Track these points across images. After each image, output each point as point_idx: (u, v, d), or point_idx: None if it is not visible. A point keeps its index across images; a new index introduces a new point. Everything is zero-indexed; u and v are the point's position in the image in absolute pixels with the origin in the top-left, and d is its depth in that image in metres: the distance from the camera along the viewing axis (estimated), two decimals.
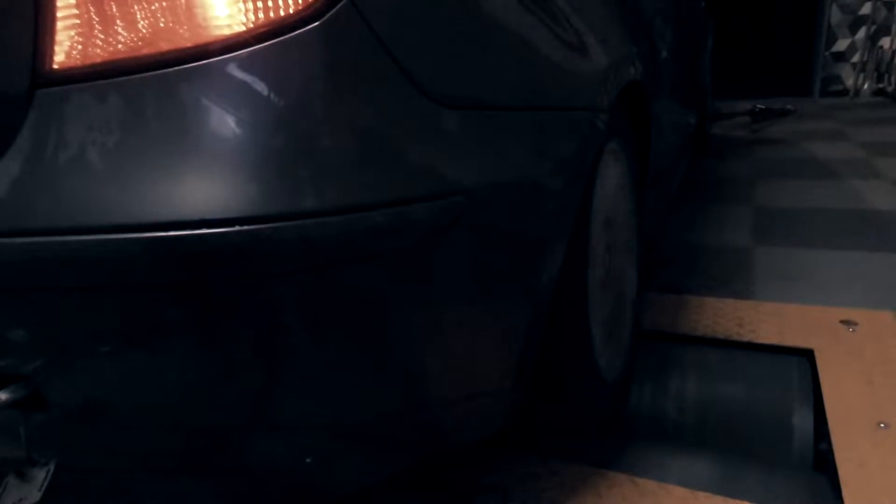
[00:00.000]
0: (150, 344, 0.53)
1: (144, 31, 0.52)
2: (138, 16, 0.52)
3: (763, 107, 4.50)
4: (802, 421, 1.08)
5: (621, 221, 1.11)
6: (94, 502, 0.66)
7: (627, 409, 1.18)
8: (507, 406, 0.79)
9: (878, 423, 0.99)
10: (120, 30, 0.52)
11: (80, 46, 0.52)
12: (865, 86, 5.16)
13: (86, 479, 0.65)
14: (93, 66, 0.52)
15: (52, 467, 0.60)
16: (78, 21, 0.52)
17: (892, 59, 4.90)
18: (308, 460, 0.63)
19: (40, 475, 0.59)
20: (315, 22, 0.51)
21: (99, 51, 0.52)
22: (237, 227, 0.49)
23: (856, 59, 5.20)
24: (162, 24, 0.52)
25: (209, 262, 0.49)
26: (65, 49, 0.52)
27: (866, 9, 5.06)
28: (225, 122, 0.50)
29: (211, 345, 0.54)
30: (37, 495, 0.58)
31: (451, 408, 0.70)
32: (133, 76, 0.51)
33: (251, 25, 0.52)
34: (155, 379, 0.56)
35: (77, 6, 0.52)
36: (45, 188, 0.50)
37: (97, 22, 0.52)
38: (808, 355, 1.23)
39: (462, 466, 1.02)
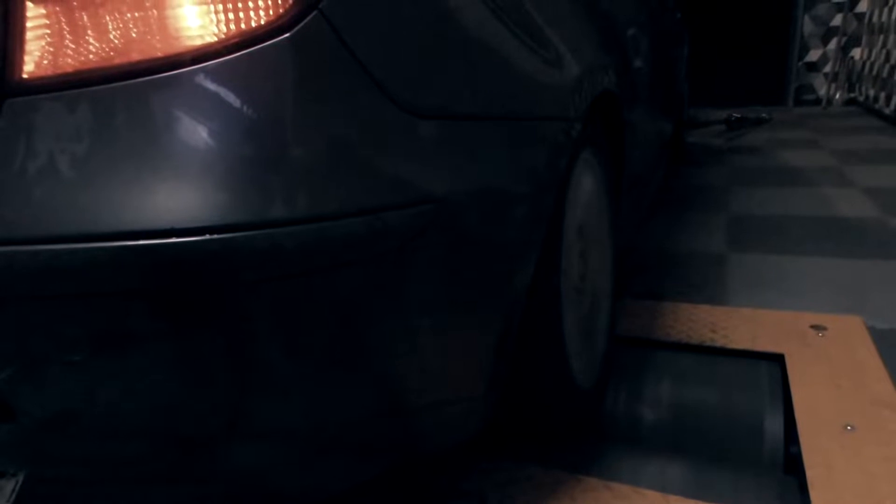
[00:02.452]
0: (121, 353, 0.53)
1: (116, 41, 0.52)
2: (109, 26, 0.53)
3: (738, 115, 4.59)
4: (773, 424, 1.10)
5: (595, 229, 1.13)
6: None
7: (603, 413, 1.19)
8: (482, 411, 0.80)
9: (845, 426, 1.01)
10: (91, 40, 0.53)
11: (50, 56, 0.52)
12: (837, 95, 5.29)
13: (57, 490, 0.64)
14: (63, 75, 0.52)
15: (21, 478, 0.59)
16: (48, 31, 0.52)
17: (862, 69, 5.02)
18: (281, 466, 0.63)
19: (9, 486, 0.58)
20: (285, 33, 0.52)
21: (70, 60, 0.52)
22: (207, 236, 0.49)
23: (828, 69, 5.33)
24: (133, 35, 0.52)
25: (179, 271, 0.50)
26: (34, 59, 0.52)
27: (837, 20, 5.20)
28: (196, 132, 0.51)
29: (183, 353, 0.54)
30: None
31: (424, 413, 0.71)
32: (104, 86, 0.52)
33: (222, 36, 0.52)
34: (126, 388, 0.55)
35: (47, 16, 0.52)
36: (13, 197, 0.50)
37: (68, 32, 0.52)
38: (778, 360, 1.25)
39: (438, 472, 1.02)
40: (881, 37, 4.49)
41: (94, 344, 0.53)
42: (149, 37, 0.52)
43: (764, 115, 4.73)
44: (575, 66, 0.91)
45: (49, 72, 0.52)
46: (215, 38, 0.52)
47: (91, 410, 0.57)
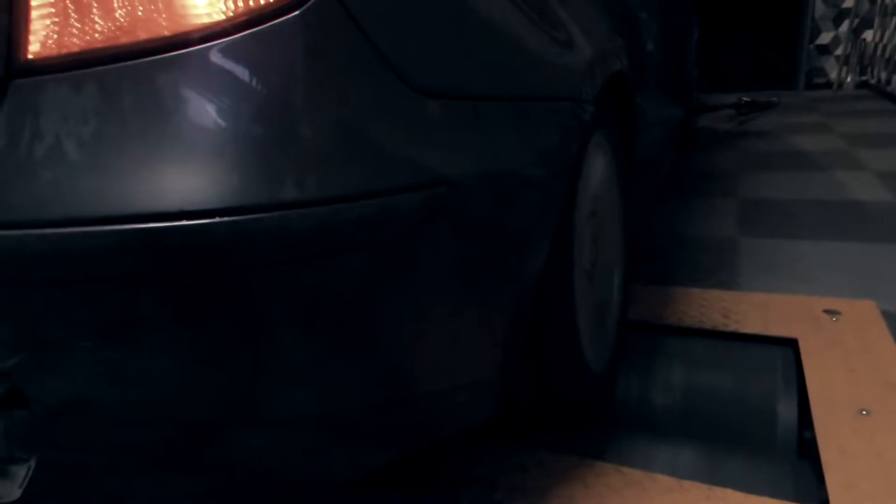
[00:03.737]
0: (131, 338, 0.53)
1: (122, 20, 0.51)
2: (115, 4, 0.51)
3: (748, 99, 4.54)
4: (787, 409, 1.09)
5: (607, 213, 1.11)
6: (77, 499, 0.66)
7: (614, 399, 1.18)
8: (494, 397, 0.79)
9: (860, 410, 1.00)
10: (97, 19, 0.52)
11: (55, 36, 0.51)
12: (849, 78, 5.21)
13: (68, 476, 0.64)
14: (69, 55, 0.51)
15: (32, 464, 0.59)
16: (53, 10, 0.51)
17: (874, 51, 4.95)
18: (292, 454, 0.62)
19: (20, 472, 0.58)
20: (295, 11, 0.51)
21: (75, 40, 0.51)
22: (218, 219, 0.48)
23: (839, 51, 5.25)
24: (140, 13, 0.51)
25: (189, 254, 0.49)
26: (40, 39, 0.51)
27: (849, 2, 5.11)
28: (205, 113, 0.50)
29: (193, 338, 0.53)
30: (17, 492, 0.57)
31: (436, 399, 0.70)
32: (110, 66, 0.51)
33: (230, 14, 0.51)
34: (137, 374, 0.55)
35: None
36: (20, 180, 0.49)
37: (73, 11, 0.51)
38: (792, 344, 1.24)
39: (449, 457, 1.02)
40: (894, 19, 4.42)
41: (105, 329, 0.53)
42: (155, 15, 0.51)
43: (774, 98, 4.68)
44: (588, 47, 0.89)
45: (55, 52, 0.51)
46: (223, 17, 0.51)
47: (102, 396, 0.57)
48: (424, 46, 0.59)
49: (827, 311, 1.34)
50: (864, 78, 5.15)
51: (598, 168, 1.03)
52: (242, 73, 0.50)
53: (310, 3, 0.51)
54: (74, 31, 0.52)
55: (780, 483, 0.93)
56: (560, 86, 0.80)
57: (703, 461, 0.98)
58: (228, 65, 0.50)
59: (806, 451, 1.01)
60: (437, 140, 0.59)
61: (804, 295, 1.45)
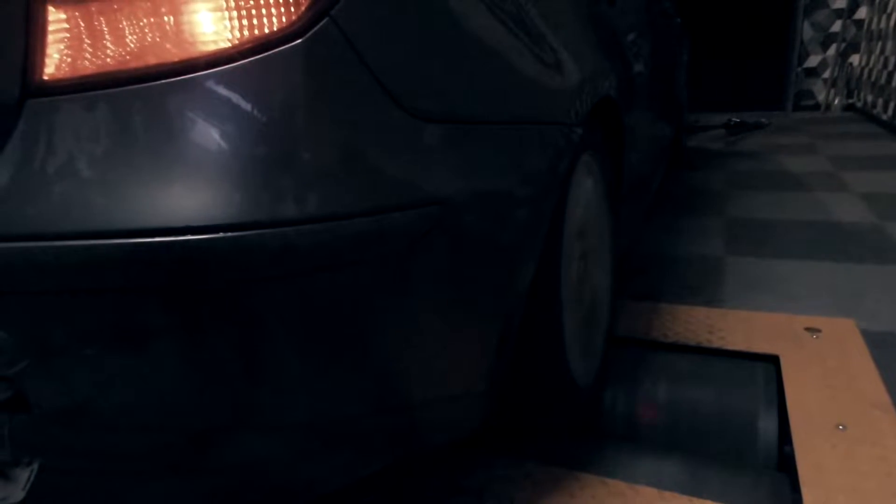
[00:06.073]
0: (134, 347, 0.55)
1: (132, 45, 0.54)
2: (127, 31, 0.54)
3: (737, 120, 4.62)
4: (767, 424, 1.12)
5: (595, 231, 1.14)
6: (78, 502, 0.67)
7: (601, 411, 1.21)
8: (482, 408, 0.82)
9: (837, 426, 1.03)
10: (108, 44, 0.54)
11: (69, 59, 0.54)
12: (836, 101, 5.31)
13: (70, 480, 0.66)
14: (82, 77, 0.54)
15: (35, 467, 0.61)
16: (68, 34, 0.54)
17: (861, 75, 5.05)
18: (287, 460, 0.65)
19: (24, 475, 0.60)
20: (298, 39, 0.54)
21: (88, 63, 0.54)
22: (221, 234, 0.51)
23: (827, 75, 5.36)
24: (150, 39, 0.54)
25: (193, 268, 0.51)
26: (55, 61, 0.54)
27: (837, 26, 5.23)
28: (210, 134, 0.52)
29: (194, 348, 0.56)
30: (20, 495, 0.59)
31: (426, 409, 0.73)
32: (121, 88, 0.53)
33: (236, 41, 0.54)
34: (138, 381, 0.57)
35: (67, 20, 0.54)
36: (33, 195, 0.52)
37: (86, 35, 0.54)
38: (773, 361, 1.27)
39: (437, 468, 1.04)
40: (879, 43, 4.52)
41: (109, 338, 0.55)
42: (165, 41, 0.54)
43: (763, 119, 4.76)
44: (577, 71, 0.93)
45: (68, 74, 0.54)
46: (229, 44, 0.54)
47: (103, 403, 0.59)
48: (421, 73, 0.62)
49: (808, 329, 1.38)
50: (850, 101, 5.25)
51: (586, 188, 1.06)
52: (247, 97, 0.53)
53: (312, 32, 0.54)
54: (88, 54, 0.54)
55: (759, 496, 0.95)
56: (549, 109, 0.83)
57: (686, 473, 1.00)
58: (234, 89, 0.53)
59: (785, 464, 1.03)
60: (432, 161, 0.62)
61: (787, 313, 1.49)
